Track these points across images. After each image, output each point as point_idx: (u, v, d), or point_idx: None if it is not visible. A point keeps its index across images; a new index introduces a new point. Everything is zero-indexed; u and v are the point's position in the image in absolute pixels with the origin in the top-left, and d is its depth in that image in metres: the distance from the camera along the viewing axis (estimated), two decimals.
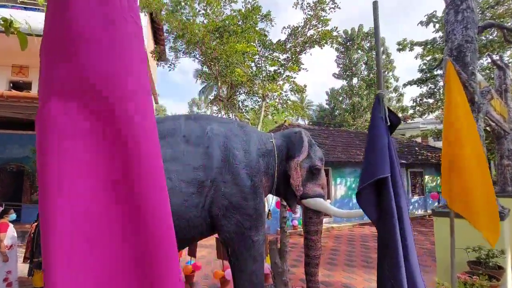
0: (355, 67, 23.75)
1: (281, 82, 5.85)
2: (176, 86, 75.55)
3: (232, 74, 5.32)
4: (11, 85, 8.95)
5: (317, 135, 11.65)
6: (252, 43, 5.37)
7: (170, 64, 7.06)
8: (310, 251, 3.39)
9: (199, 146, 2.92)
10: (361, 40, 23.72)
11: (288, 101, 6.35)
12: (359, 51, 23.75)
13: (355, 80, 24.32)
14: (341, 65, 24.61)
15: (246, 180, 2.89)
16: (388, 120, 1.46)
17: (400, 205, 1.26)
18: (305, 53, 5.87)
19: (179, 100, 73.95)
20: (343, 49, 24.44)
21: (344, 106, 25.24)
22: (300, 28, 6.00)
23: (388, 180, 1.29)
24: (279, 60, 6.02)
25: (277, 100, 6.20)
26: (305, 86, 6.02)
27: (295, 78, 5.95)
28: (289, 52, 5.94)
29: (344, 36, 24.37)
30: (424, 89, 13.53)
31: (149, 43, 9.89)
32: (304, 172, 3.27)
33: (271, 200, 5.13)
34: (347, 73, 24.31)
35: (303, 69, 5.94)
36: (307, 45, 5.66)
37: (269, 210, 3.43)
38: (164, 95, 73.71)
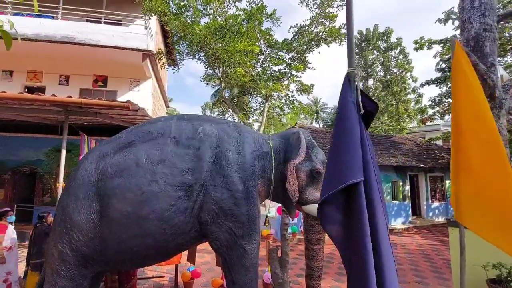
0: (370, 68, 23.05)
1: (286, 82, 5.62)
2: (190, 90, 76.87)
3: (234, 74, 5.16)
4: (26, 90, 9.26)
5: (329, 138, 11.27)
6: (255, 43, 5.18)
7: (174, 66, 7.02)
8: (311, 262, 3.12)
9: (189, 147, 2.75)
10: (376, 40, 23.05)
11: (294, 102, 6.09)
12: (375, 51, 23.06)
13: (370, 82, 23.61)
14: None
15: (238, 184, 2.68)
16: (361, 108, 1.18)
17: (375, 220, 0.99)
18: (311, 51, 5.61)
19: (193, 104, 75.17)
20: (357, 50, 23.83)
21: None
22: (306, 26, 5.76)
23: (359, 187, 1.02)
24: (285, 59, 5.79)
25: (282, 101, 5.96)
26: (312, 85, 5.74)
27: (300, 77, 5.70)
28: (295, 51, 5.70)
29: (358, 37, 23.82)
30: (444, 88, 12.82)
31: (157, 46, 9.97)
32: (304, 175, 3.02)
33: (268, 206, 4.88)
34: (362, 74, 23.63)
35: (309, 68, 5.67)
36: (313, 42, 5.39)
37: (266, 217, 3.20)
38: (177, 99, 75.01)
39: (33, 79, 9.30)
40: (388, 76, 22.35)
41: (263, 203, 3.28)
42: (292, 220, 3.50)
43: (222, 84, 6.21)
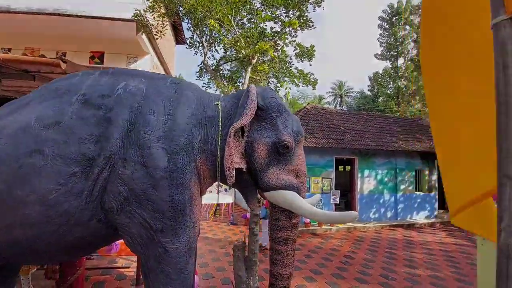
0: (401, 45, 20.81)
1: (281, 43, 4.65)
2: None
3: (215, 37, 4.32)
4: None
5: (345, 120, 10.09)
6: None
7: (156, 32, 6.30)
8: (275, 268, 2.32)
9: (100, 108, 2.01)
10: (409, 14, 20.64)
11: (291, 68, 5.07)
12: (407, 26, 20.70)
13: (400, 61, 21.39)
14: (385, 44, 21.80)
15: (159, 158, 1.90)
16: None
17: None
18: (311, 3, 4.52)
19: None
20: (387, 26, 21.60)
21: (388, 91, 22.40)
22: None
23: None
24: (280, 16, 4.76)
25: (277, 67, 4.95)
26: (312, 47, 4.68)
27: (296, 36, 4.67)
28: (291, 5, 4.64)
29: (388, 11, 21.52)
30: None
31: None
32: (263, 150, 2.18)
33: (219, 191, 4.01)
34: (392, 52, 21.46)
35: (309, 26, 4.61)
36: None
37: (216, 206, 2.40)
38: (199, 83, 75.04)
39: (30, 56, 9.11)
40: None
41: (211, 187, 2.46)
42: (252, 211, 2.68)
43: (205, 49, 5.39)
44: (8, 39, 8.84)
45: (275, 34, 4.65)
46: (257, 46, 4.04)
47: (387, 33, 21.74)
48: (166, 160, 1.90)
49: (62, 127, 1.90)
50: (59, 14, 7.90)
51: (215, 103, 2.26)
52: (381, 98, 23.57)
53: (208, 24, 4.33)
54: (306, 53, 4.82)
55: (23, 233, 1.85)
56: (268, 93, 2.29)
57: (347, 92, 34.80)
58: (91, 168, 1.86)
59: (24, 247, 1.94)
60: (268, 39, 4.60)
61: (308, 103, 10.56)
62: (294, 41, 4.72)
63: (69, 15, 7.93)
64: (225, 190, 7.37)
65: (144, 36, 8.23)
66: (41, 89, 2.27)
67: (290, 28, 4.52)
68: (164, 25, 6.15)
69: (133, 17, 5.81)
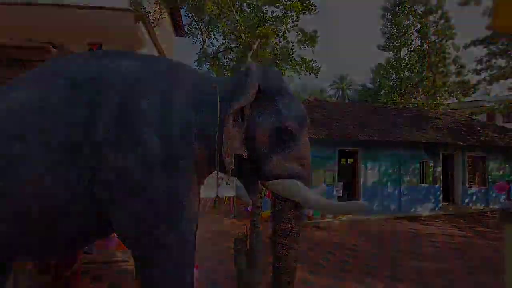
0: (404, 36, 20.40)
1: (282, 28, 4.45)
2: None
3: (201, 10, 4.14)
4: None
5: (348, 111, 9.89)
6: None
7: (153, 20, 6.10)
8: (279, 262, 2.19)
9: (88, 92, 1.85)
10: (413, 4, 20.18)
11: (293, 55, 4.88)
12: (410, 16, 20.27)
13: (404, 52, 20.99)
14: (387, 35, 21.38)
15: (153, 144, 1.76)
16: None
17: None
18: None
19: None
20: (389, 16, 21.14)
21: (390, 83, 22.03)
22: None
23: None
24: (282, 1, 4.56)
25: (277, 53, 4.75)
26: (315, 32, 4.51)
27: (298, 21, 4.47)
28: None
29: (392, 1, 21.04)
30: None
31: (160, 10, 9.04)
32: (264, 135, 2.02)
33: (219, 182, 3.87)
34: (394, 43, 21.05)
35: (312, 10, 4.43)
36: None
37: (215, 197, 2.26)
38: None
39: None
40: (425, 45, 19.68)
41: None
42: (253, 202, 2.54)
43: (203, 36, 5.23)
44: (3, 31, 8.64)
45: (276, 19, 4.46)
46: (257, 31, 3.88)
47: (390, 24, 21.30)
48: (159, 147, 1.76)
49: (46, 112, 1.77)
50: (55, 5, 7.68)
51: (213, 86, 2.10)
52: (383, 90, 23.22)
53: (206, 8, 4.15)
54: (309, 39, 4.62)
55: (10, 228, 1.73)
56: (270, 73, 2.13)
57: (349, 85, 34.43)
58: (78, 155, 1.72)
59: (12, 244, 1.82)
60: (269, 23, 4.42)
61: (310, 95, 10.37)
62: (296, 25, 4.54)
63: (66, 6, 7.72)
64: (226, 183, 7.24)
65: (142, 27, 8.05)
66: (27, 73, 2.14)
67: (292, 12, 4.34)
68: (162, 13, 5.96)
69: (130, 1, 5.58)
